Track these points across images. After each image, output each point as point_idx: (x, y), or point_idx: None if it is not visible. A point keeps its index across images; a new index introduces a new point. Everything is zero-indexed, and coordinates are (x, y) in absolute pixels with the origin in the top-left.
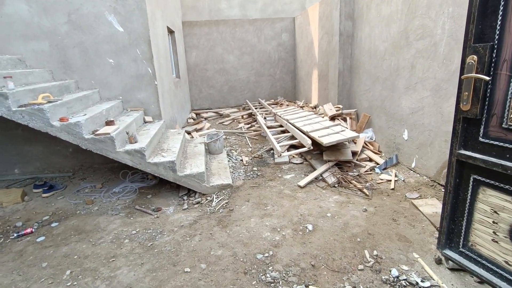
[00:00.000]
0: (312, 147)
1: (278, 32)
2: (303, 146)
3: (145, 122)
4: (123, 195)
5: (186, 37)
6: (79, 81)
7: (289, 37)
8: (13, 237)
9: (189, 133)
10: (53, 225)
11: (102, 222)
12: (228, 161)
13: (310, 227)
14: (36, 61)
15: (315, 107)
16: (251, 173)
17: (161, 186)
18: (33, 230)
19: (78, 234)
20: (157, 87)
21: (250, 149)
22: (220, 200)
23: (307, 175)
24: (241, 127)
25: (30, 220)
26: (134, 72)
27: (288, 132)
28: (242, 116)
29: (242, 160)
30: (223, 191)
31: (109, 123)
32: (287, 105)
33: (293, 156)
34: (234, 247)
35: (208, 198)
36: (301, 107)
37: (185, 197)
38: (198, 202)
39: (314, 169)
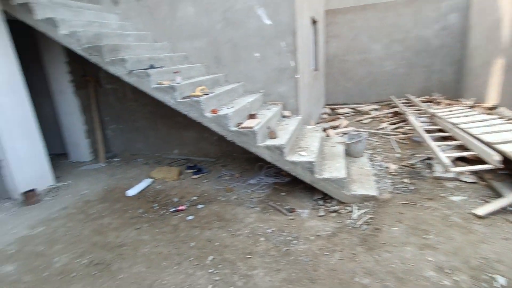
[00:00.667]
0: (500, 165)
1: (443, 12)
2: (481, 161)
3: (283, 116)
4: (258, 188)
5: (328, 26)
6: (227, 75)
7: (459, 18)
8: (170, 210)
9: (324, 130)
10: (199, 206)
11: (240, 213)
12: (371, 167)
13: (501, 280)
14: (196, 57)
15: (492, 108)
16: (401, 186)
17: (294, 184)
18: (185, 208)
19: (219, 221)
20: (297, 81)
21: (397, 155)
22: (363, 213)
23: (488, 201)
24: (384, 128)
25: (183, 198)
26: (277, 65)
27: (454, 139)
28: (386, 114)
29: (387, 168)
30: (366, 203)
31: (251, 116)
32: (448, 104)
33: (462, 172)
34: (385, 279)
35: (348, 208)
36: (470, 107)
37: (320, 202)
38: (335, 211)
39: (499, 195)
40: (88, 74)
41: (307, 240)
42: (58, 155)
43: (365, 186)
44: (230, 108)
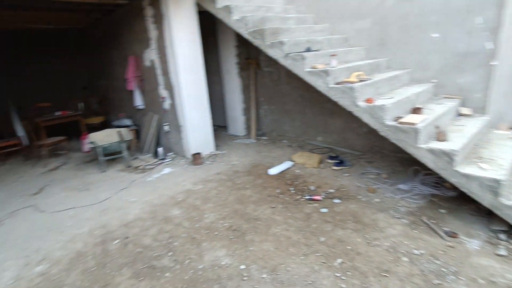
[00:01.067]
0: None
1: None
2: None
3: (459, 114)
4: (409, 196)
5: None
6: (390, 60)
7: None
8: (305, 198)
9: None
10: (335, 201)
11: (381, 220)
12: None
13: None
14: (356, 39)
15: None
16: None
17: (461, 202)
18: (321, 199)
19: (355, 223)
20: (492, 70)
21: None
22: None
23: None
24: None
25: (320, 187)
26: (462, 49)
27: None
28: None
29: None
30: None
31: (415, 110)
32: None
33: None
34: None
35: None
36: None
37: (502, 236)
38: None
39: None
40: (250, 57)
41: (473, 282)
42: (220, 127)
43: None
44: (389, 99)
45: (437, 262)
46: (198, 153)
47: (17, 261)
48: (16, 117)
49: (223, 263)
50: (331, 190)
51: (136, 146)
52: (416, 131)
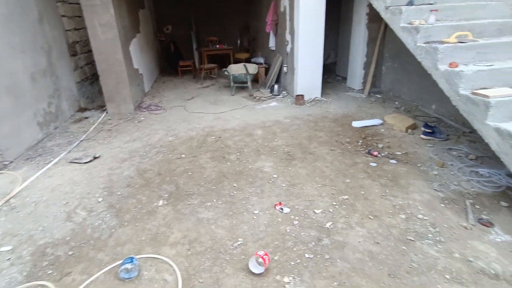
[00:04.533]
0: None
1: None
2: None
3: None
4: (482, 181)
5: None
6: None
7: None
8: (366, 151)
9: None
10: (391, 161)
11: (416, 186)
12: None
13: None
14: None
15: None
16: None
17: None
18: (377, 155)
19: (389, 180)
20: None
21: None
22: None
23: None
24: None
25: (389, 147)
26: None
27: None
28: None
29: None
30: None
31: None
32: None
33: None
34: None
35: None
36: None
37: None
38: None
39: None
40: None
41: (448, 254)
42: (343, 78)
43: None
44: (480, 66)
45: (432, 229)
46: (301, 95)
47: (162, 132)
48: (194, 45)
49: (265, 169)
50: (398, 153)
51: (264, 80)
52: (486, 105)
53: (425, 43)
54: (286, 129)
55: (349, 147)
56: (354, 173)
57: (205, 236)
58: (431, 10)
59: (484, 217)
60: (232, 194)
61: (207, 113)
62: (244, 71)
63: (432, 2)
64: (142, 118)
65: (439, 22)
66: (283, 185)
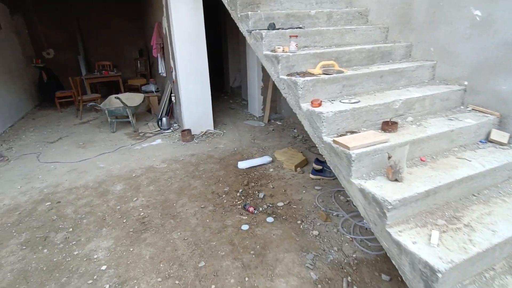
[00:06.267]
0: None
1: None
2: None
3: (487, 140)
4: (365, 239)
5: None
6: (414, 46)
7: None
8: (242, 206)
9: None
10: (268, 219)
11: (285, 264)
12: None
13: None
14: (377, 14)
15: None
16: None
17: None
18: (253, 212)
19: (255, 256)
20: None
21: None
22: None
23: None
24: None
25: (272, 196)
26: None
27: None
28: None
29: None
30: None
31: (386, 126)
32: None
33: None
34: None
35: None
36: None
37: None
38: None
39: None
40: None
41: None
42: (247, 103)
43: None
44: (345, 104)
45: None
46: (187, 130)
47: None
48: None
49: (95, 256)
50: (280, 204)
51: (156, 111)
52: (348, 158)
53: (287, 75)
54: (156, 179)
55: (225, 201)
56: (215, 248)
57: None
58: (291, 36)
59: None
60: None
61: (63, 163)
62: (121, 104)
63: (301, 25)
64: None
65: (306, 49)
66: (107, 286)
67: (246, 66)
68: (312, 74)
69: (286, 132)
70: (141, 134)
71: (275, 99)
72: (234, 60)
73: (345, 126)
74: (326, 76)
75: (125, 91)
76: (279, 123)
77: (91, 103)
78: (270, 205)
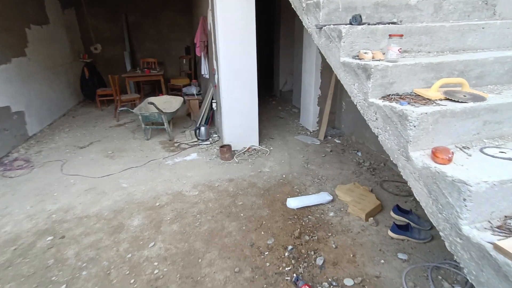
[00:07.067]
0: None
1: None
2: None
3: None
4: None
5: None
6: None
7: None
8: (292, 280)
9: None
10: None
11: None
12: None
13: None
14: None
15: None
16: None
17: None
18: None
19: None
20: None
21: None
22: None
23: None
24: None
25: (336, 264)
26: None
27: None
28: None
29: None
30: None
31: None
32: None
33: None
34: None
35: None
36: None
37: None
38: None
39: None
40: None
41: None
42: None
43: None
44: (496, 157)
45: None
46: (227, 146)
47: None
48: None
49: None
50: (349, 282)
51: (195, 117)
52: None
53: (383, 98)
54: (183, 213)
55: (268, 264)
56: None
57: None
58: (391, 36)
59: None
60: None
61: (85, 177)
62: (156, 110)
63: (395, 20)
64: None
65: (406, 55)
66: None
67: (301, 69)
68: (426, 100)
69: (348, 155)
70: (176, 145)
71: (334, 111)
72: (286, 60)
73: (506, 207)
74: (458, 106)
75: (167, 92)
76: (337, 141)
77: (121, 108)
78: (334, 284)
